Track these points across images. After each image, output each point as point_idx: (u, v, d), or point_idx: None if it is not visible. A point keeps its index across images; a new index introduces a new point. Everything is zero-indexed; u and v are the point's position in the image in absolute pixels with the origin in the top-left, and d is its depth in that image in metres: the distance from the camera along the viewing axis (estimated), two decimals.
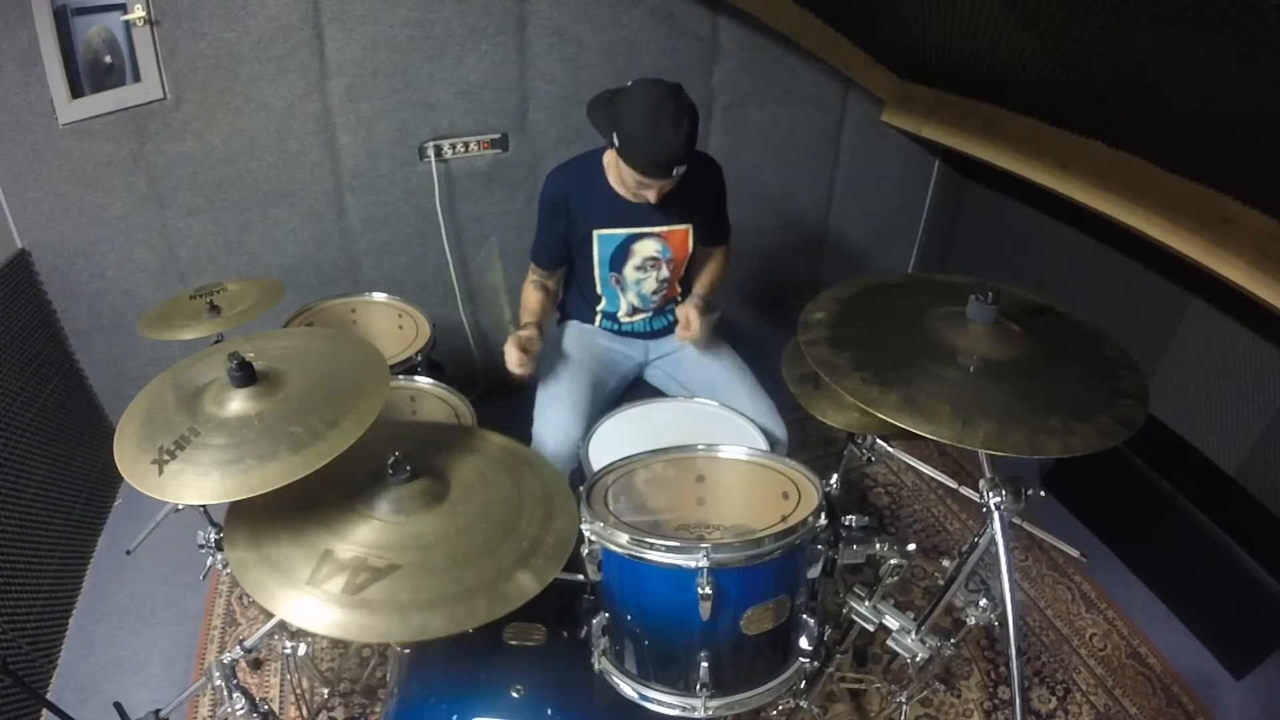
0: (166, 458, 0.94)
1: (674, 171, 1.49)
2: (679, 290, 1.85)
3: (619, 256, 1.75)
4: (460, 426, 1.54)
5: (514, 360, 1.62)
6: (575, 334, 1.89)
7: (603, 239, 1.72)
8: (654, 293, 1.81)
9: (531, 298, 1.82)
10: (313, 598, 0.92)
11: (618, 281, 1.79)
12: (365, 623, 0.91)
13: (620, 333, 1.88)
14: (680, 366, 1.86)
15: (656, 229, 1.72)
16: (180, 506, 1.30)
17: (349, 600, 0.92)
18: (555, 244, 1.78)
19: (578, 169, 1.71)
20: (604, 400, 1.78)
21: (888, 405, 1.02)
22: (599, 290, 1.82)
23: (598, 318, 1.88)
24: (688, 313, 1.71)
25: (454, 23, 2.12)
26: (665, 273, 1.78)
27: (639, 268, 1.76)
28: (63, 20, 1.85)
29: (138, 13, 1.87)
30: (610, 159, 1.65)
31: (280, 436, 0.98)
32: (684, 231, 1.74)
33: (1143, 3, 1.19)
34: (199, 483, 0.93)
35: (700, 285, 1.87)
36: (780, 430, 1.67)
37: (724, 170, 1.80)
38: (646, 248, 1.74)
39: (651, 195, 1.57)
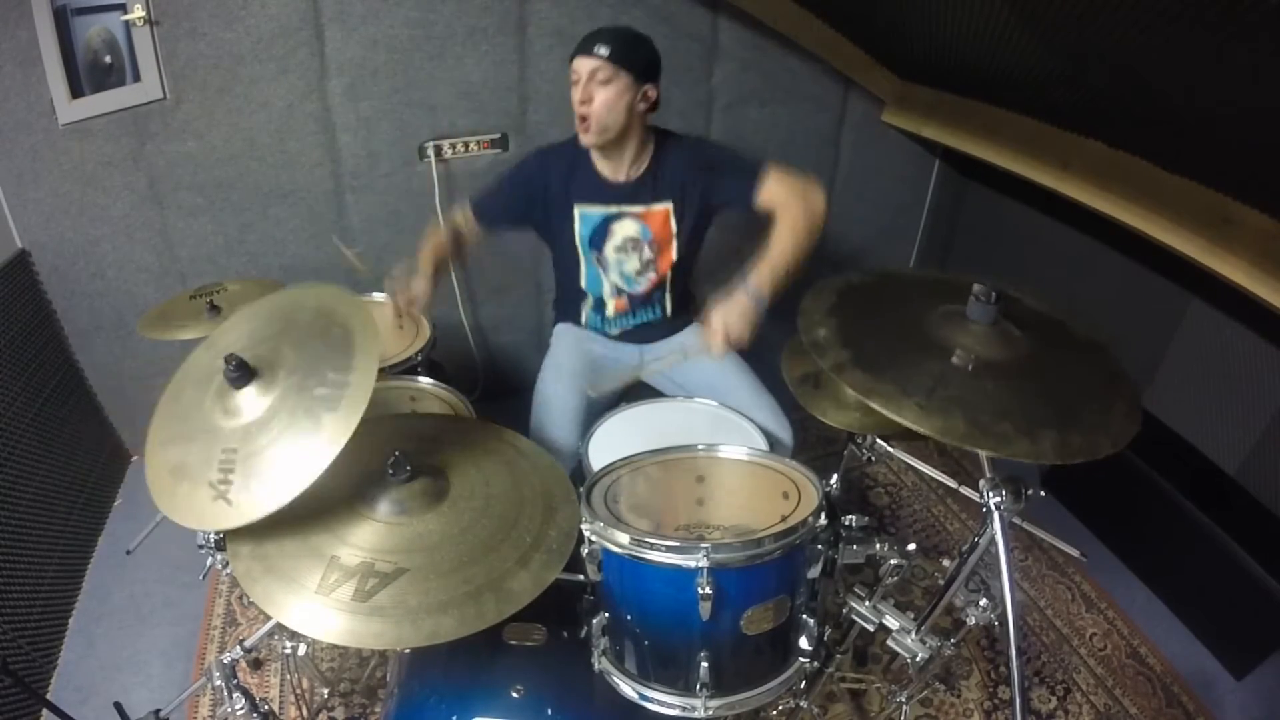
0: (223, 488, 0.93)
1: (595, 48, 1.52)
2: (669, 276, 1.80)
3: (598, 236, 1.74)
4: (454, 418, 1.53)
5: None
6: (568, 341, 1.89)
7: (584, 216, 1.72)
8: (637, 274, 1.78)
9: (438, 236, 1.73)
10: (323, 606, 0.92)
11: (599, 260, 1.77)
12: (377, 630, 0.90)
13: (612, 336, 1.87)
14: (678, 368, 1.86)
15: (635, 208, 1.71)
16: None
17: (359, 608, 0.91)
18: (504, 204, 1.75)
19: (564, 151, 1.71)
20: (599, 408, 1.77)
21: (911, 414, 1.00)
22: (582, 272, 1.79)
23: (585, 311, 1.86)
24: (721, 311, 1.44)
25: (454, 23, 2.12)
26: (648, 254, 1.76)
27: (619, 248, 1.75)
28: (63, 20, 1.85)
29: (138, 13, 1.87)
30: None
31: (311, 405, 0.97)
32: (664, 212, 1.72)
33: (1143, 2, 1.19)
34: (271, 487, 0.93)
35: (774, 248, 1.54)
36: (784, 430, 1.66)
37: None
38: (626, 228, 1.73)
39: (577, 94, 1.57)
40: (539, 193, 1.73)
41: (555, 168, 1.72)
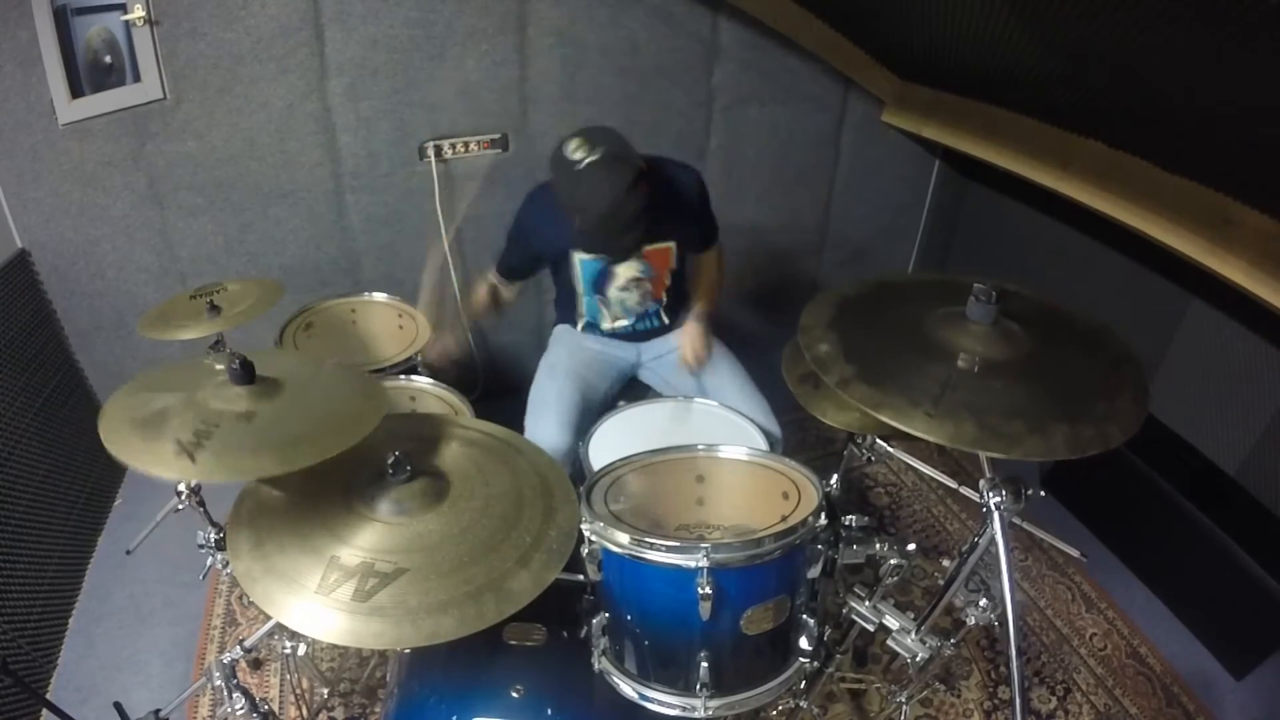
0: (191, 448, 0.94)
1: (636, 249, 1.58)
2: (664, 296, 1.82)
3: (601, 280, 1.75)
4: (454, 419, 1.53)
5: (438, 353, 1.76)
6: (565, 339, 1.89)
7: (585, 263, 1.72)
8: (637, 304, 1.80)
9: (480, 294, 1.86)
10: (323, 606, 0.92)
11: (602, 301, 1.79)
12: (377, 629, 0.90)
13: (609, 334, 1.88)
14: (673, 369, 1.86)
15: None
16: (181, 506, 1.30)
17: (359, 608, 0.91)
18: (518, 262, 1.81)
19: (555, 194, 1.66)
20: (595, 406, 1.77)
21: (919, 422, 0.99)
22: (581, 307, 1.83)
23: (581, 322, 1.87)
24: (688, 339, 1.75)
25: (454, 23, 2.12)
26: (649, 288, 1.78)
27: (623, 288, 1.76)
28: (63, 20, 1.85)
29: (138, 13, 1.87)
30: None
31: (307, 415, 1.01)
32: (666, 249, 1.73)
33: (1143, 2, 1.19)
34: (239, 459, 0.94)
35: (700, 296, 1.85)
36: (774, 430, 1.66)
37: (724, 170, 1.80)
38: (629, 269, 1.73)
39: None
40: (537, 240, 1.74)
41: (547, 215, 1.67)
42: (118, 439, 0.96)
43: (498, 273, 1.84)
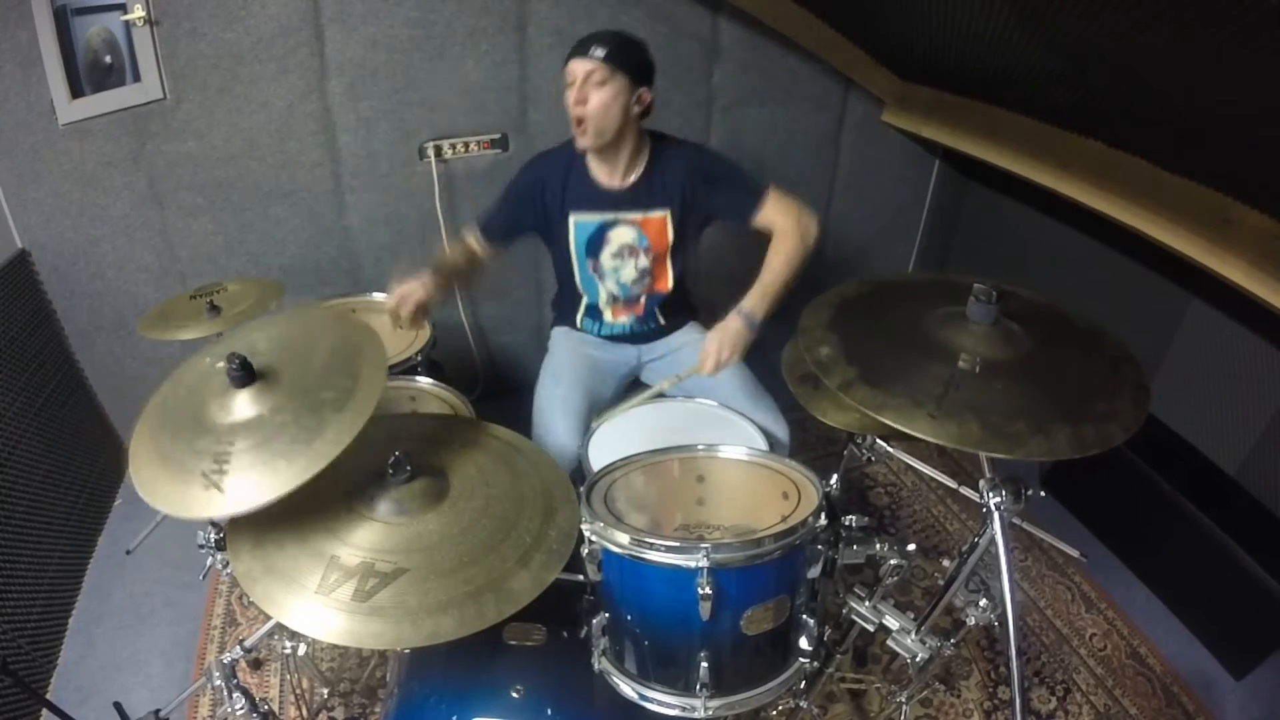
0: (215, 477, 0.93)
1: (590, 49, 1.52)
2: (668, 285, 1.81)
3: (595, 243, 1.74)
4: (454, 419, 1.53)
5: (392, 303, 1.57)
6: (566, 344, 1.89)
7: (579, 225, 1.72)
8: (634, 282, 1.78)
9: (458, 250, 1.78)
10: (323, 606, 0.91)
11: (595, 269, 1.77)
12: (377, 630, 0.90)
13: (608, 337, 1.87)
14: (676, 368, 1.85)
15: (632, 214, 1.70)
16: None
17: (359, 608, 0.91)
18: (504, 222, 1.77)
19: (559, 156, 1.71)
20: (601, 408, 1.77)
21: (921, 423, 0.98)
22: (578, 281, 1.80)
23: (580, 314, 1.87)
24: (714, 338, 1.54)
25: (454, 23, 2.12)
26: (644, 262, 1.76)
27: (616, 254, 1.75)
28: (63, 20, 1.85)
29: (138, 13, 1.87)
30: None
31: (315, 406, 0.99)
32: (661, 219, 1.72)
33: (1143, 2, 1.19)
34: (270, 478, 0.93)
35: (768, 271, 1.62)
36: (781, 430, 1.66)
37: None
38: (622, 234, 1.73)
39: (572, 96, 1.56)
40: (537, 199, 1.73)
41: (550, 174, 1.72)
42: (155, 489, 0.95)
43: (479, 229, 1.77)
